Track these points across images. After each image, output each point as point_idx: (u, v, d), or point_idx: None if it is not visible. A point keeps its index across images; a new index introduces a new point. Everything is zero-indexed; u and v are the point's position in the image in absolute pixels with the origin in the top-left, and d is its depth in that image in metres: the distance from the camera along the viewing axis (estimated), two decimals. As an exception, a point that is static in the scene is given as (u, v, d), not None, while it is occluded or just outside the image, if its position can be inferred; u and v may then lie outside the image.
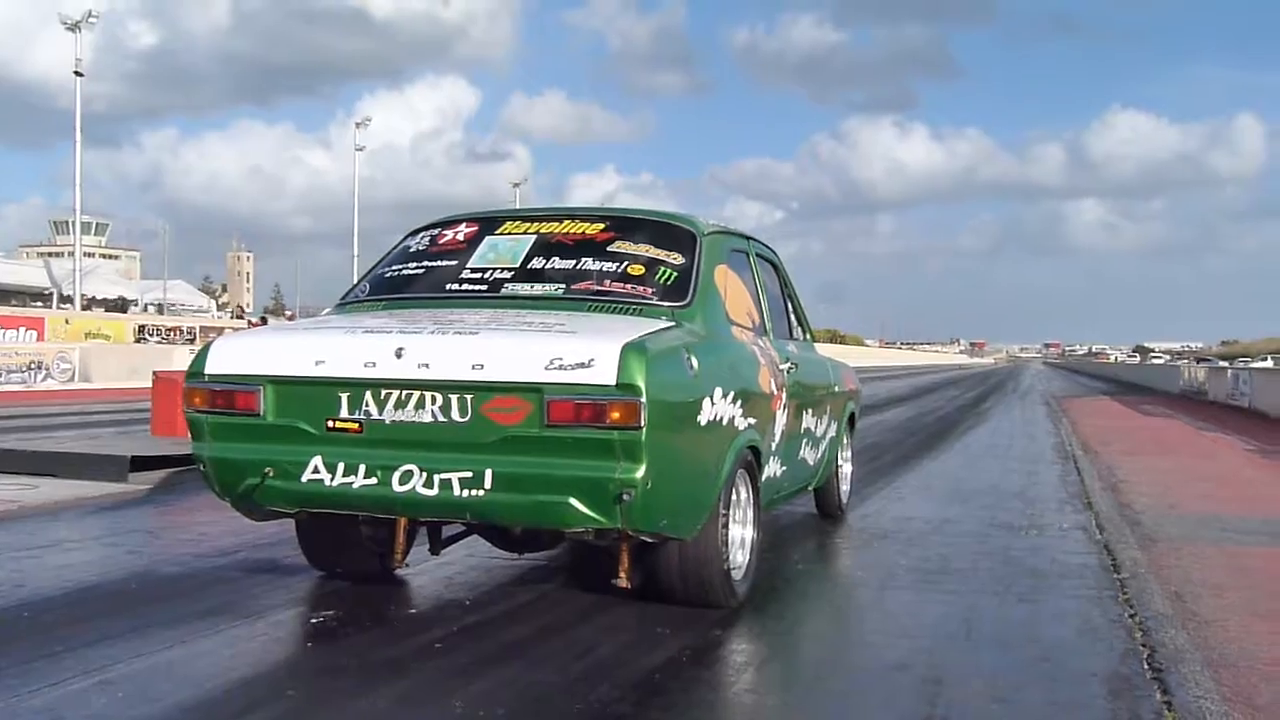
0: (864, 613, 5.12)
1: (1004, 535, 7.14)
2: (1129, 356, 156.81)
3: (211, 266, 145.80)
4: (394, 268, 5.04)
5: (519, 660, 3.97)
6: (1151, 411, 23.89)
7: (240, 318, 49.15)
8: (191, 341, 34.65)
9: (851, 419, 7.54)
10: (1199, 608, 5.09)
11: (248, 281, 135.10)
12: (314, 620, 4.62)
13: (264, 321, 41.70)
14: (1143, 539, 7.02)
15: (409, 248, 5.16)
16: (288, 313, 70.87)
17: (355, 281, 5.17)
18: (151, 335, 35.88)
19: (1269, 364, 57.09)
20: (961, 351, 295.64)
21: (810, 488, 6.67)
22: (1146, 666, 4.11)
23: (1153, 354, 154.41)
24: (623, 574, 4.29)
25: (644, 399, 3.72)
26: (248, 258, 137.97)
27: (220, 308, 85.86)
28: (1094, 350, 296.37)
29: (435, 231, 5.18)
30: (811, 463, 6.29)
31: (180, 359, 25.66)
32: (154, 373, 11.74)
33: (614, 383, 3.73)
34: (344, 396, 4.05)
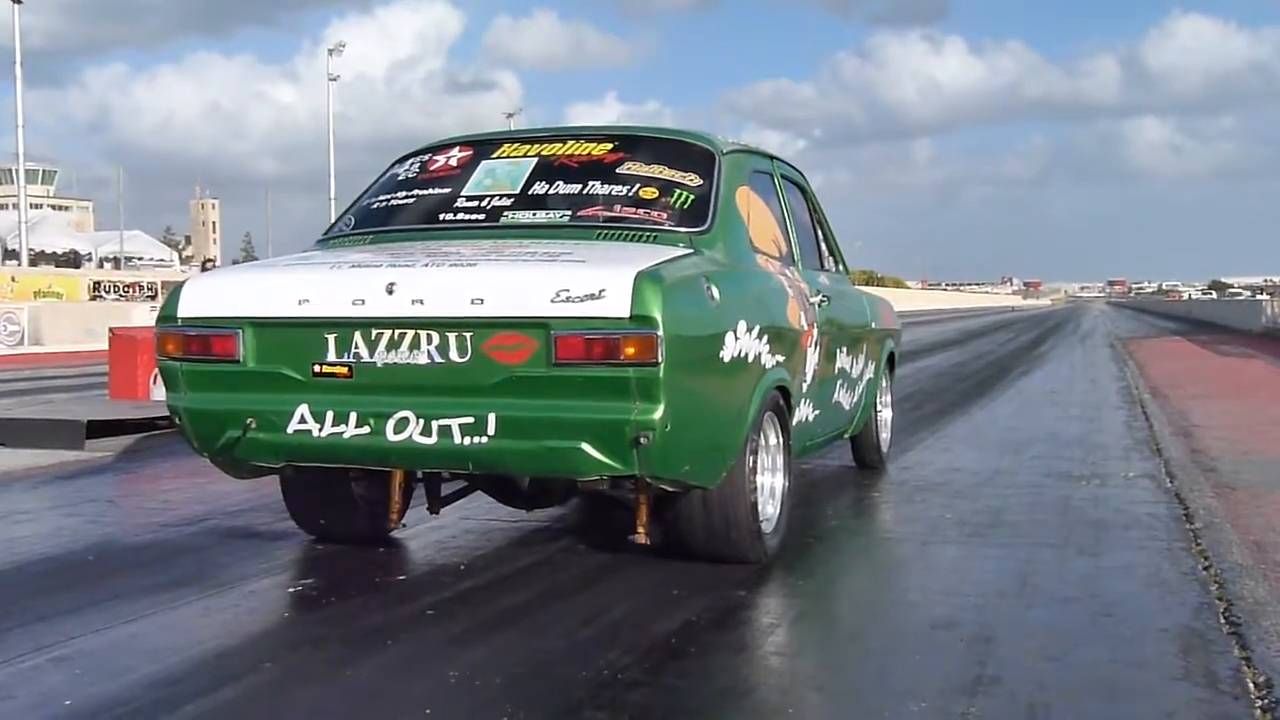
0: (905, 569, 5.13)
1: (1063, 485, 7.14)
2: (1204, 294, 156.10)
3: (173, 216, 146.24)
4: (381, 198, 5.01)
5: (519, 626, 3.97)
6: (1229, 352, 23.78)
7: (207, 271, 49.43)
8: (153, 298, 34.75)
9: (891, 360, 7.51)
10: (1281, 557, 5.09)
11: (214, 231, 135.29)
12: (291, 590, 4.66)
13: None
14: (1218, 486, 7.01)
15: (396, 175, 5.12)
16: (260, 265, 70.68)
17: (340, 214, 5.17)
18: (108, 292, 36.00)
19: None
20: (1015, 292, 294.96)
21: (846, 435, 6.64)
22: (1223, 621, 4.11)
23: (1232, 290, 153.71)
24: (640, 529, 4.28)
25: (661, 332, 3.68)
26: (213, 205, 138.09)
27: (184, 260, 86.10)
28: (1164, 288, 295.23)
29: (425, 157, 5.14)
30: (847, 407, 6.27)
31: (140, 317, 25.74)
32: (110, 329, 11.77)
33: (628, 315, 3.68)
34: (331, 338, 4.02)
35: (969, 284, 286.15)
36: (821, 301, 5.53)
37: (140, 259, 73.28)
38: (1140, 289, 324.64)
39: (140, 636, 4.03)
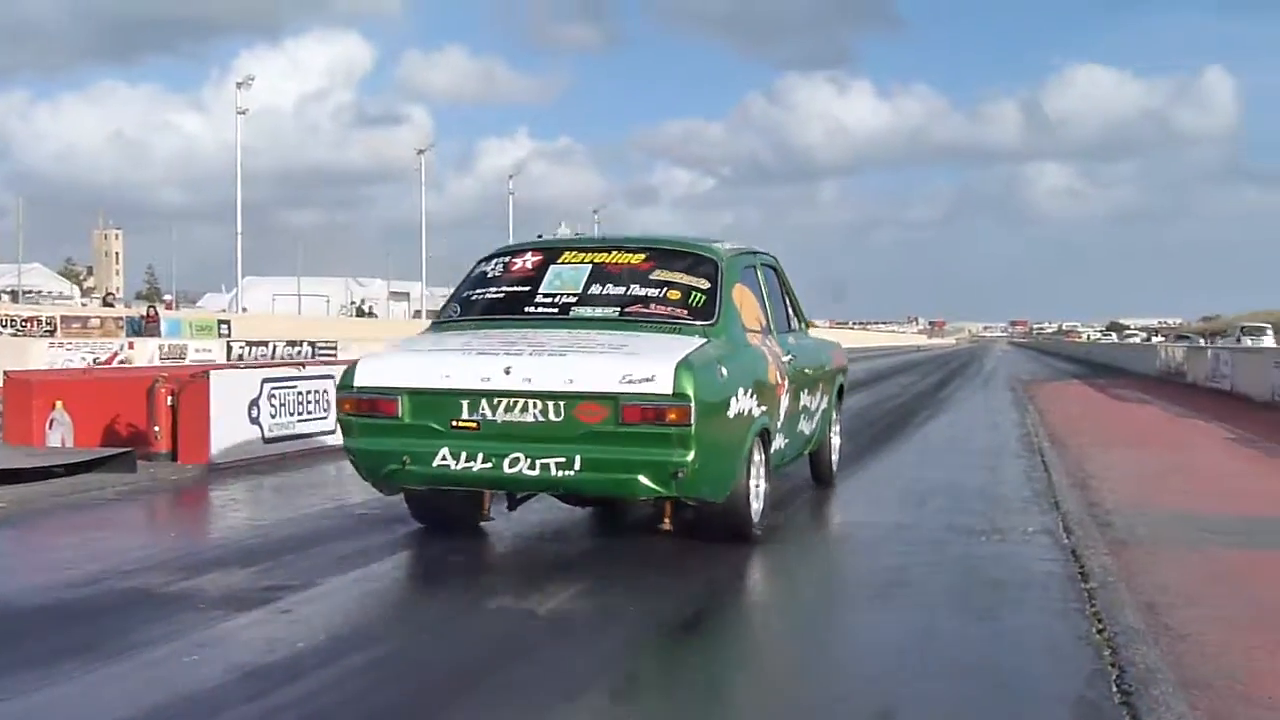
0: (805, 640, 5.18)
1: (964, 541, 7.26)
2: (1102, 335, 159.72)
3: (74, 247, 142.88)
4: (477, 291, 6.95)
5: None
6: (1126, 397, 24.36)
7: (110, 305, 48.47)
8: (52, 333, 34.00)
9: (840, 390, 9.51)
10: (1173, 620, 5.22)
11: (116, 263, 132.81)
12: (187, 659, 4.58)
13: (152, 311, 41.02)
14: (1113, 543, 7.17)
15: (485, 273, 7.05)
16: (166, 298, 69.72)
17: (446, 302, 7.18)
18: (5, 326, 35.16)
19: (1267, 339, 58.79)
20: (920, 331, 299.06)
21: (806, 453, 8.53)
22: (1115, 689, 4.21)
23: (1128, 332, 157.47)
24: (666, 521, 6.54)
25: (692, 404, 5.66)
26: (115, 235, 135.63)
27: (85, 293, 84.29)
28: (1064, 329, 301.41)
29: (506, 259, 7.05)
30: (808, 432, 8.27)
31: (39, 354, 25.13)
32: (4, 374, 11.51)
33: (670, 392, 5.68)
34: (464, 403, 5.95)
35: (876, 323, 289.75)
36: (790, 360, 7.44)
37: (39, 292, 71.73)
38: (1041, 329, 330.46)
39: (36, 712, 3.93)
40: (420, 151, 63.01)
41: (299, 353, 35.67)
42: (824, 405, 8.74)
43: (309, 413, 12.46)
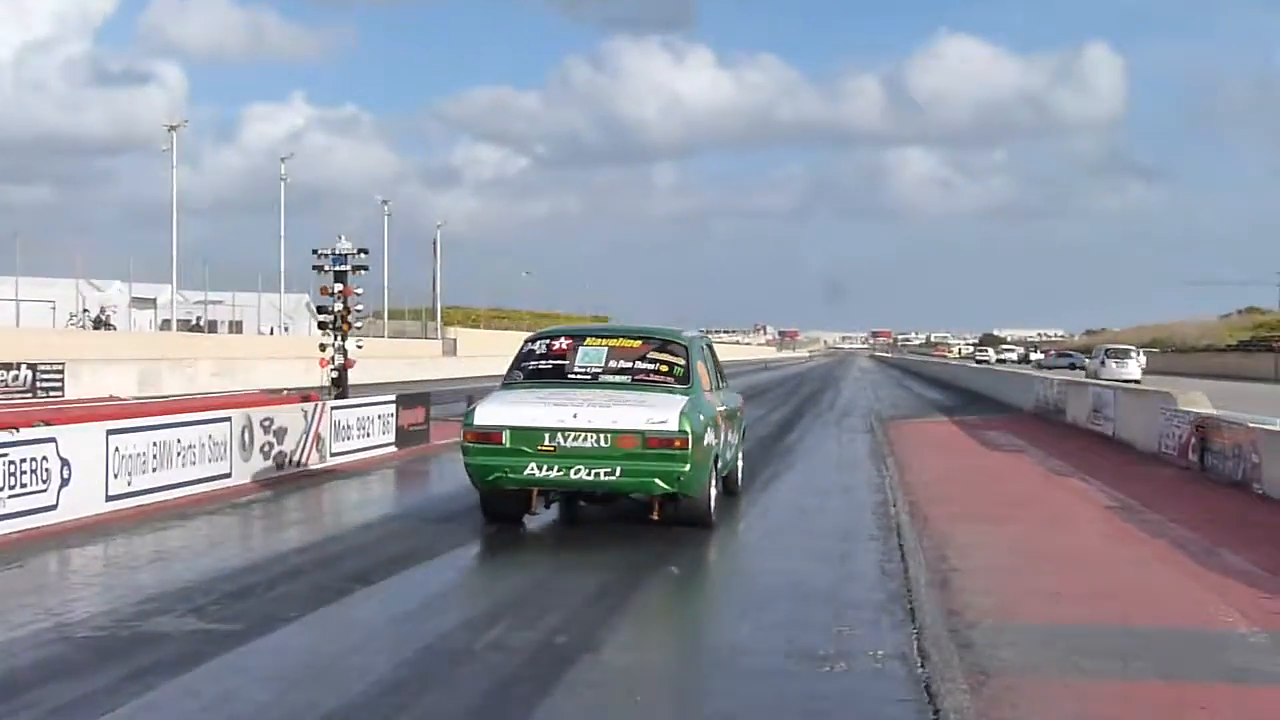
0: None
1: (805, 673, 7.46)
2: (975, 349, 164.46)
3: None
4: (531, 364, 13.05)
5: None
6: (998, 443, 25.19)
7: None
8: None
9: (743, 430, 16.07)
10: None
11: None
12: None
13: None
14: (972, 671, 7.46)
15: (534, 351, 13.21)
16: None
17: (509, 370, 13.21)
18: None
19: (1132, 365, 61.79)
20: (769, 342, 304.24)
21: (725, 473, 13.99)
22: None
23: (1004, 346, 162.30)
24: (655, 513, 11.99)
25: (689, 436, 11.42)
26: None
27: None
28: (933, 340, 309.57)
29: (547, 342, 13.24)
30: (729, 456, 14.00)
31: None
32: None
33: (676, 429, 11.43)
34: (545, 434, 11.53)
35: (718, 331, 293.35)
36: (723, 408, 13.37)
37: None
38: (906, 340, 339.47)
39: None
40: (172, 128, 61.44)
41: (16, 379, 34.59)
42: (737, 439, 15.11)
43: (23, 486, 12.10)
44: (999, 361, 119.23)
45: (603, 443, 11.80)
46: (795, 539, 12.91)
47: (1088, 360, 73.54)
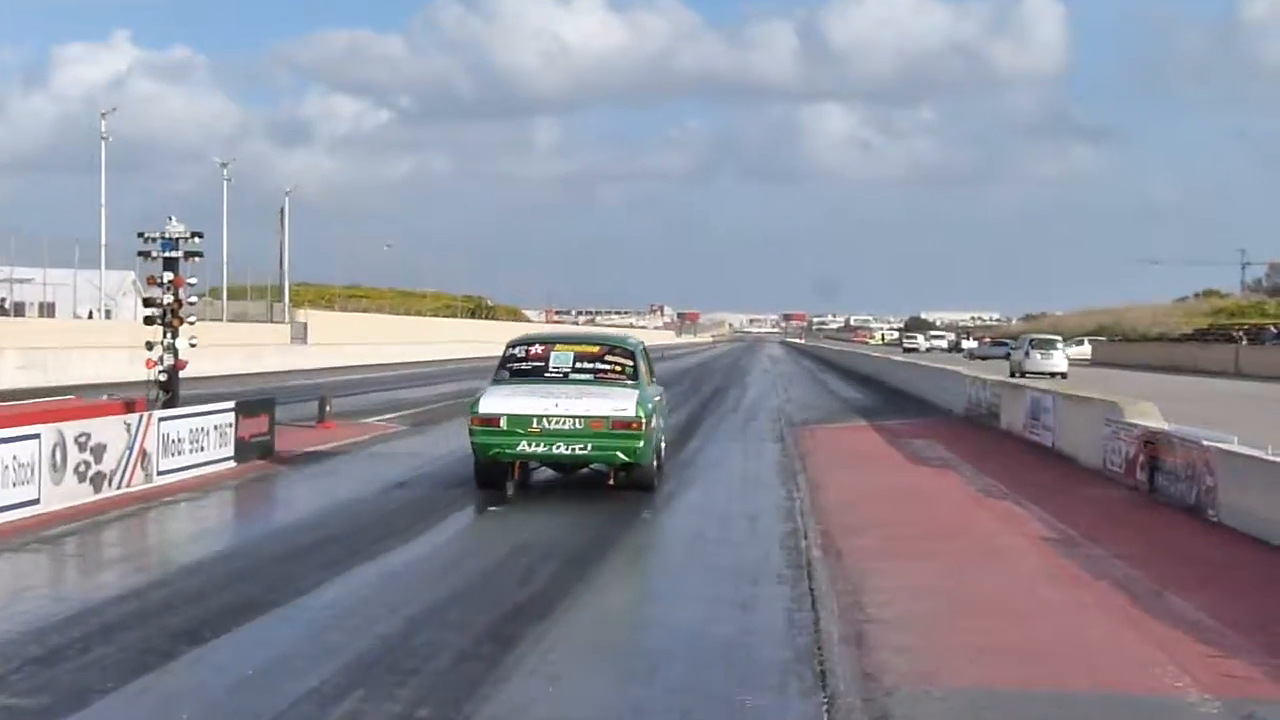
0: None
1: (700, 755, 7.50)
2: (901, 334, 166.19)
3: None
4: (515, 365, 19.60)
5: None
6: (923, 455, 25.48)
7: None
8: None
9: (666, 414, 22.80)
10: None
11: None
12: None
13: None
14: (890, 752, 7.54)
15: (517, 355, 19.88)
16: None
17: (497, 370, 19.63)
18: None
19: (1057, 356, 63.34)
20: (667, 325, 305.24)
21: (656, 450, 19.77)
22: None
23: (933, 332, 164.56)
24: (612, 480, 18.68)
25: (643, 420, 18.14)
26: None
27: None
28: (852, 324, 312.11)
29: (526, 348, 20.02)
30: (660, 435, 20.46)
31: None
32: None
33: (634, 415, 18.07)
34: (533, 418, 17.94)
35: (608, 312, 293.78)
36: (658, 398, 20.34)
37: None
38: (823, 324, 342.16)
39: None
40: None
41: None
42: (663, 421, 21.37)
43: None
44: (928, 351, 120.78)
45: (578, 425, 18.01)
46: (694, 579, 13.01)
47: (1011, 351, 75.01)
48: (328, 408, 28.87)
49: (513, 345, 20.46)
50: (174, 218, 21.40)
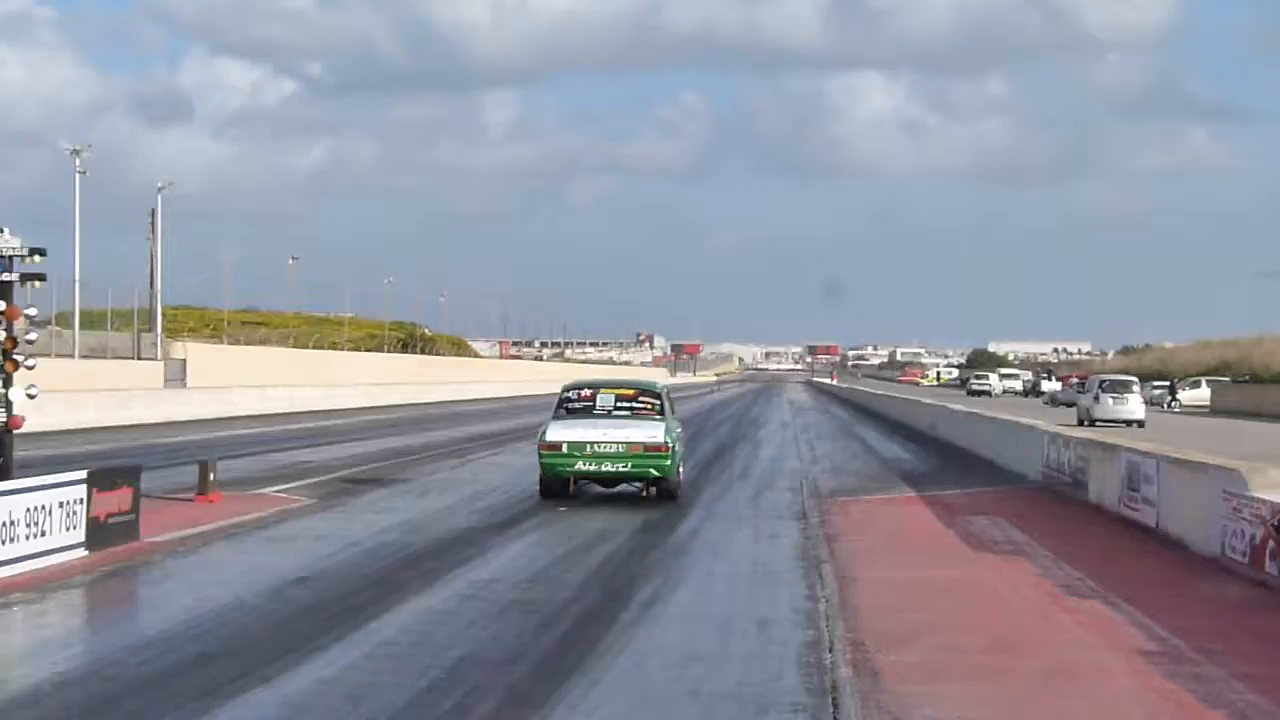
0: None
1: None
2: (960, 371, 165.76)
3: None
4: (571, 404, 34.37)
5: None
6: (987, 537, 25.33)
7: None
8: None
9: (683, 442, 37.91)
10: None
11: None
12: None
13: None
14: None
15: (571, 397, 34.74)
16: None
17: (555, 408, 34.36)
18: None
19: (1133, 401, 63.95)
20: (657, 361, 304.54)
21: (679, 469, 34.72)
22: None
23: (1005, 371, 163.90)
24: (645, 493, 33.35)
25: (669, 444, 32.51)
26: None
27: None
28: (900, 359, 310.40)
29: (577, 392, 35.38)
30: (679, 459, 34.95)
31: None
32: None
33: (662, 441, 32.32)
34: (587, 444, 32.25)
35: (581, 344, 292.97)
36: (679, 429, 35.74)
37: None
38: (860, 359, 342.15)
39: None
40: None
41: None
42: (681, 448, 34.71)
43: None
44: (1002, 395, 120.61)
45: (620, 449, 30.49)
46: (679, 713, 12.93)
47: (1079, 395, 75.26)
48: (211, 475, 28.86)
49: (567, 390, 34.62)
50: (6, 229, 21.27)
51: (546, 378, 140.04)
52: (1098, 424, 55.94)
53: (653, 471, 31.49)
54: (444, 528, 26.98)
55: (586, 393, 34.49)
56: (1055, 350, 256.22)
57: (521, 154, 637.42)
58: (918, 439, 58.39)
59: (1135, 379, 72.70)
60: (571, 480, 32.24)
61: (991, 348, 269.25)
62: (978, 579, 21.23)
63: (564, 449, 31.30)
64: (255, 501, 29.24)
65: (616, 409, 33.32)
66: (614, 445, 31.11)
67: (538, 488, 32.02)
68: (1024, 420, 45.51)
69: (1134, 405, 64.09)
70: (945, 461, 45.55)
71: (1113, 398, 64.85)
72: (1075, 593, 19.66)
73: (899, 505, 32.21)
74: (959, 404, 76.03)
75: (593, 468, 31.35)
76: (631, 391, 34.91)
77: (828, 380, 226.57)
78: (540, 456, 31.98)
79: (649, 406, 33.57)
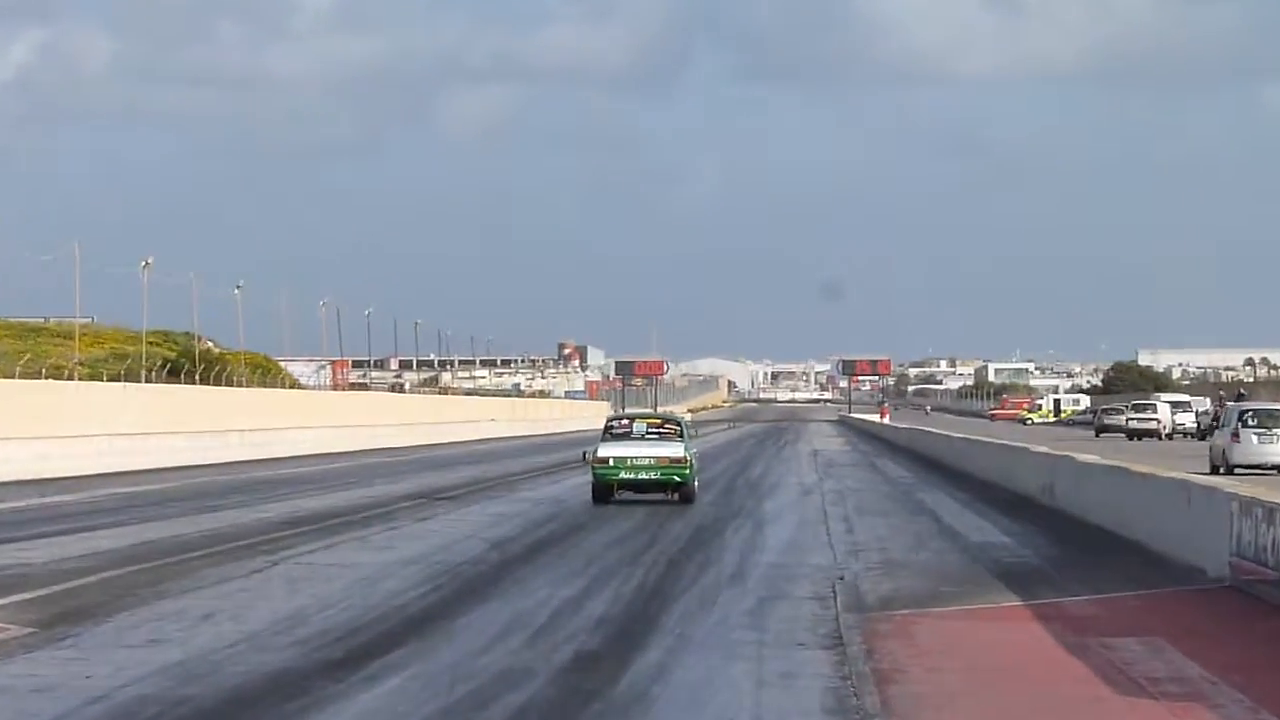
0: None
1: None
2: (1112, 402, 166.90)
3: None
4: (615, 430, 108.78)
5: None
6: (1141, 674, 25.05)
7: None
8: None
9: (697, 458, 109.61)
10: None
11: None
12: None
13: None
14: None
15: (614, 425, 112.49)
16: None
17: (603, 431, 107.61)
18: None
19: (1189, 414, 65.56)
20: (591, 390, 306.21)
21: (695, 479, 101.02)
22: None
23: (1169, 396, 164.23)
24: (674, 497, 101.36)
25: (688, 458, 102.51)
26: None
27: None
28: (992, 379, 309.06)
29: (619, 421, 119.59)
30: (696, 471, 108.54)
31: None
32: None
33: (682, 455, 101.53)
34: (629, 459, 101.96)
35: (467, 363, 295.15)
36: (695, 450, 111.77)
37: None
38: (929, 379, 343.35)
39: None
40: None
41: None
42: (696, 464, 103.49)
43: None
44: (1171, 435, 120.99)
45: (652, 462, 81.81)
46: None
47: (1215, 429, 75.66)
48: None
49: (611, 420, 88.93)
50: None
51: (409, 419, 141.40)
52: (1237, 471, 55.61)
53: (675, 478, 66.02)
54: (244, 669, 25.75)
55: (626, 422, 76.15)
56: (1250, 361, 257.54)
57: (357, 50, 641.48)
58: (1022, 510, 58.74)
59: (1189, 399, 72.48)
60: (614, 486, 67.72)
61: (1144, 360, 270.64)
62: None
63: (610, 462, 66.50)
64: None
65: (649, 433, 70.93)
66: (647, 459, 66.40)
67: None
68: (1196, 478, 45.22)
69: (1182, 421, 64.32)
70: (1067, 549, 45.63)
71: (1258, 435, 64.43)
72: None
73: (995, 621, 32.05)
74: (1090, 457, 74.96)
75: (631, 476, 65.29)
76: (659, 420, 77.91)
77: (875, 418, 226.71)
78: (593, 469, 67.52)
79: (673, 431, 71.84)
